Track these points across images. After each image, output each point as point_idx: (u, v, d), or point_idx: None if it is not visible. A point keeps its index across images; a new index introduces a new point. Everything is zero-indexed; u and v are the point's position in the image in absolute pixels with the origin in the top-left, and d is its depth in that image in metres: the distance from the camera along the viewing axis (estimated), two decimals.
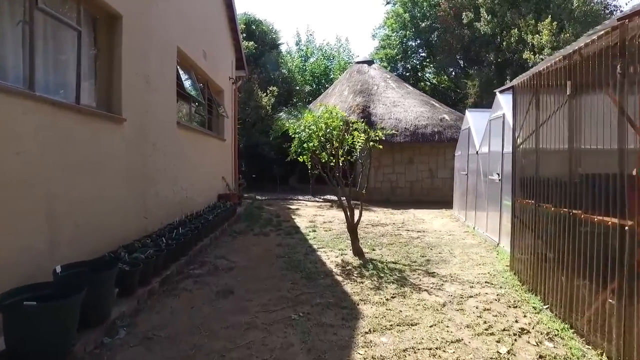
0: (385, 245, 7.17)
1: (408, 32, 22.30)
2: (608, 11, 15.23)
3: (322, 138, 6.53)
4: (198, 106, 9.15)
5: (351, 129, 6.72)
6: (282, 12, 42.56)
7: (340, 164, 6.73)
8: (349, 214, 6.57)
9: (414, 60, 23.48)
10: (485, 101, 16.52)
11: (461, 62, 19.74)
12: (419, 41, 22.52)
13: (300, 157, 6.76)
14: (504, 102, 6.70)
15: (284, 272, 5.38)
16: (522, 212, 5.11)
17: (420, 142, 13.86)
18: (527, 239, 4.97)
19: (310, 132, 6.49)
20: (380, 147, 6.97)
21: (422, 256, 6.42)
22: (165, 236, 5.47)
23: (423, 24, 21.21)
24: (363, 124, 6.82)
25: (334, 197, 14.03)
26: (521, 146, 5.26)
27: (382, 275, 5.33)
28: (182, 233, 5.77)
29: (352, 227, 6.54)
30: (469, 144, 9.17)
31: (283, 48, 23.46)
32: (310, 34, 31.66)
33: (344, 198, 6.67)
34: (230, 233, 7.95)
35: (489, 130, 7.48)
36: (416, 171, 14.34)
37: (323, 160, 6.87)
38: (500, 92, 6.60)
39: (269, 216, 10.24)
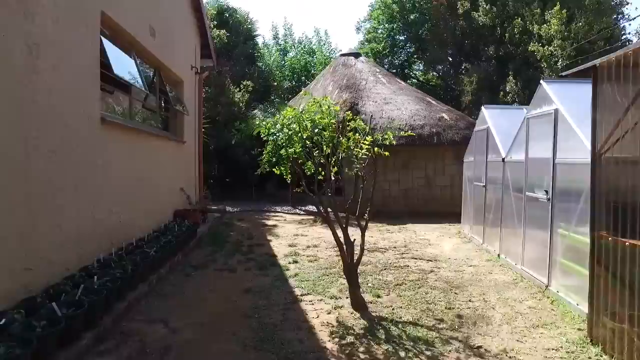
0: (393, 287, 5.30)
1: (396, 24, 20.62)
2: (618, 0, 13.95)
3: (307, 142, 4.62)
4: (146, 99, 7.09)
5: (347, 128, 4.82)
6: (257, 2, 40.21)
7: (332, 178, 4.86)
8: (345, 249, 4.68)
9: (402, 56, 21.79)
10: (484, 99, 14.94)
11: (454, 57, 18.15)
12: (406, 35, 20.84)
13: (276, 168, 4.82)
14: (556, 94, 4.93)
15: (250, 354, 3.43)
16: (613, 256, 3.33)
17: (416, 144, 12.08)
18: (624, 297, 3.21)
19: (290, 132, 4.56)
20: (387, 154, 5.11)
21: (449, 308, 4.58)
22: (62, 297, 3.45)
23: (412, 16, 19.58)
24: (368, 125, 4.90)
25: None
26: (609, 153, 3.48)
27: (403, 353, 3.45)
28: (96, 286, 3.75)
29: (351, 269, 4.64)
30: (487, 148, 7.42)
31: (260, 40, 21.40)
32: (288, 27, 29.63)
33: (340, 228, 4.78)
34: (184, 268, 5.93)
35: (526, 132, 5.71)
36: (411, 178, 12.58)
37: (309, 173, 4.98)
38: (565, 76, 4.76)
39: (239, 237, 8.23)
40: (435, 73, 21.09)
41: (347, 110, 12.25)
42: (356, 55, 15.77)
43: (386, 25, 21.44)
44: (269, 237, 8.36)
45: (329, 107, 4.53)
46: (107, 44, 5.06)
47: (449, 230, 9.55)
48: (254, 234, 8.70)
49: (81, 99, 4.39)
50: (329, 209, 4.92)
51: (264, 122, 5.29)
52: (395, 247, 7.62)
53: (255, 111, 12.07)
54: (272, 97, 17.04)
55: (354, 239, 4.73)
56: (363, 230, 4.82)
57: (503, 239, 6.58)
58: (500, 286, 5.38)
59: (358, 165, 4.70)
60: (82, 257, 4.35)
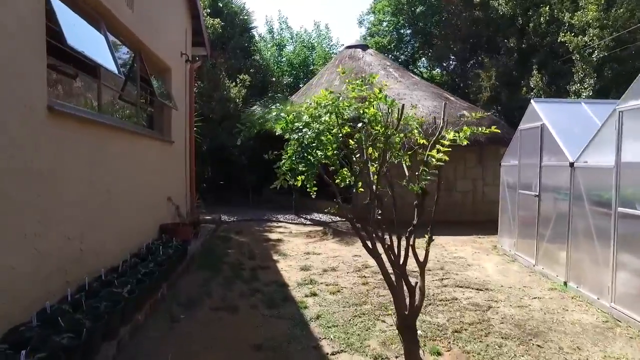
0: (452, 337, 3.94)
1: (402, 17, 19.28)
2: None
3: (348, 140, 3.29)
4: (124, 89, 5.67)
5: (403, 121, 3.49)
6: None
7: (376, 191, 3.53)
8: (401, 298, 3.33)
9: (408, 51, 20.44)
10: (504, 95, 13.71)
11: (465, 52, 16.82)
12: (412, 29, 19.49)
13: (298, 179, 3.43)
14: None
15: None
16: None
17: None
18: None
19: (321, 128, 3.20)
20: (447, 158, 3.77)
21: None
22: None
23: (419, 9, 18.30)
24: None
25: (324, 218, 10.75)
26: None
27: None
28: None
29: (408, 323, 3.27)
30: (542, 149, 6.11)
31: (256, 34, 19.96)
32: (284, 21, 28.00)
33: (396, 267, 3.43)
34: (169, 307, 4.52)
35: (617, 129, 4.38)
36: (429, 182, 11.22)
37: (344, 184, 3.64)
38: None
39: (238, 257, 6.83)
40: (440, 70, 19.74)
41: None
42: (363, 47, 14.42)
43: (391, 18, 20.11)
44: (274, 257, 6.96)
45: (380, 90, 3.16)
46: (58, 4, 3.63)
47: (481, 245, 8.23)
48: (256, 251, 7.30)
49: (13, 79, 2.97)
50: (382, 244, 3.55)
51: (275, 112, 3.94)
52: (429, 269, 6.27)
53: (255, 107, 10.66)
54: (271, 94, 15.63)
55: (415, 282, 3.36)
56: (422, 266, 3.45)
57: (572, 263, 5.26)
58: (592, 333, 4.05)
59: (428, 176, 3.31)
60: (11, 315, 2.93)
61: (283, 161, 3.25)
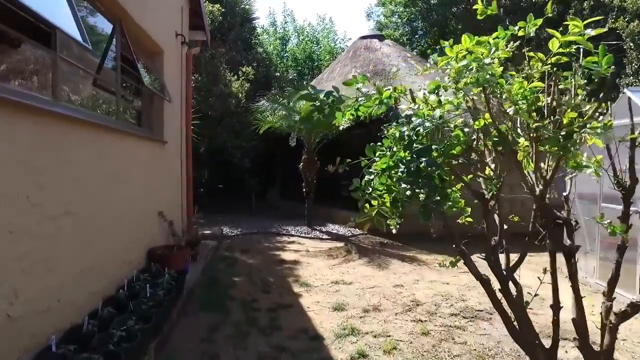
0: None
1: (415, 9, 17.86)
2: None
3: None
4: (99, 70, 4.17)
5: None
6: None
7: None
8: None
9: (422, 45, 18.95)
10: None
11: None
12: (426, 21, 18.03)
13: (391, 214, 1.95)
14: None
15: None
16: None
17: None
18: None
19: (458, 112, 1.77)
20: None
21: None
22: None
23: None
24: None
25: (342, 230, 9.30)
26: None
27: None
28: None
29: None
30: None
31: (258, 24, 18.45)
32: (288, 14, 26.45)
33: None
34: None
35: None
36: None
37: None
38: None
39: (248, 289, 5.33)
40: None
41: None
42: (380, 37, 12.98)
43: (403, 10, 18.67)
44: (295, 288, 5.48)
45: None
46: None
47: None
48: (270, 279, 5.82)
49: None
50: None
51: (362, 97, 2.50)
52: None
53: (262, 102, 9.17)
54: (275, 89, 14.17)
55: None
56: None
57: None
58: None
59: None
60: None
61: (367, 179, 1.81)
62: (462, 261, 2.71)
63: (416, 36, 19.15)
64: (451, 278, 6.01)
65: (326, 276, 6.03)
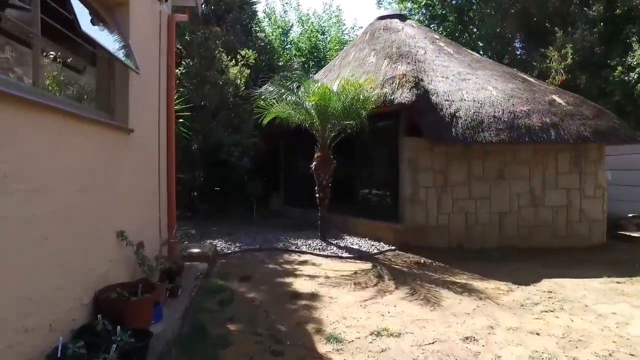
0: None
1: None
2: None
3: None
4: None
5: None
6: None
7: None
8: None
9: (440, 31, 17.10)
10: (585, 79, 10.52)
11: (522, 29, 13.44)
12: (447, 6, 16.28)
13: None
14: None
15: None
16: None
17: (519, 141, 7.58)
18: None
19: None
20: None
21: None
22: None
23: None
24: None
25: (363, 244, 7.58)
26: None
27: None
28: None
29: None
30: None
31: (259, 10, 16.68)
32: (287, 2, 24.34)
33: None
34: None
35: None
36: (509, 194, 8.05)
37: None
38: None
39: (250, 352, 3.55)
40: (490, 52, 16.22)
41: (412, 86, 7.77)
42: (401, 17, 11.23)
43: None
44: (319, 344, 3.70)
45: None
46: None
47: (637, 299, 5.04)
48: (281, 327, 4.05)
49: None
50: None
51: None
52: None
53: (267, 86, 7.40)
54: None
55: None
56: None
57: None
58: None
59: None
60: None
61: None
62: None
63: (435, 21, 17.25)
64: (537, 323, 4.24)
65: (360, 321, 4.25)
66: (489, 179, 7.98)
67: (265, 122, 7.46)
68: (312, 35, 19.02)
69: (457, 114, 7.66)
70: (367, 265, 6.40)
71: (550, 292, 5.28)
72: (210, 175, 11.32)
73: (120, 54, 3.81)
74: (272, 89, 7.31)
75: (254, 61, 10.66)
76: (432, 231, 7.83)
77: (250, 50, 10.71)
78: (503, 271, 6.17)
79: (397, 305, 4.74)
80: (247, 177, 10.88)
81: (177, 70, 10.13)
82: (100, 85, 4.01)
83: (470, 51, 10.68)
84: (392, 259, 6.86)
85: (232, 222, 10.20)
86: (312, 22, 20.33)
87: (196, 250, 6.28)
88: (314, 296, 4.98)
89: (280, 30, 19.54)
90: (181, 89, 9.99)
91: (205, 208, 11.84)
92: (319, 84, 7.05)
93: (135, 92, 4.24)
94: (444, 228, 7.88)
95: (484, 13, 14.38)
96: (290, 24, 20.50)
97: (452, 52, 9.85)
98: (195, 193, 12.46)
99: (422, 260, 6.78)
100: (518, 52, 14.77)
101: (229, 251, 7.14)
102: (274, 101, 7.35)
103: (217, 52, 10.07)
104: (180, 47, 10.12)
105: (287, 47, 19.18)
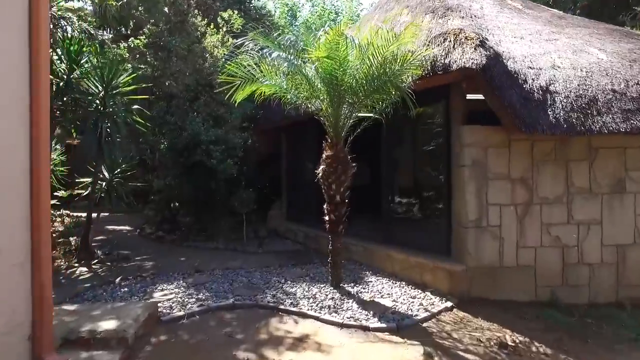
0: None
1: None
2: None
3: None
4: None
5: None
6: None
7: None
8: None
9: None
10: None
11: None
12: None
13: None
14: None
15: None
16: None
17: None
18: None
19: None
20: None
21: None
22: None
23: None
24: None
25: (400, 295, 4.67)
26: None
27: None
28: None
29: None
30: None
31: None
32: None
33: None
34: None
35: None
36: (633, 216, 5.07)
37: None
38: None
39: None
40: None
41: (473, 47, 4.84)
42: None
43: None
44: None
45: None
46: None
47: None
48: None
49: None
50: None
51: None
52: None
53: (247, 39, 4.55)
54: None
55: None
56: None
57: None
58: None
59: None
60: None
61: None
62: None
63: None
64: None
65: None
66: (601, 193, 5.02)
67: (237, 98, 4.65)
68: (323, 14, 16.22)
69: (550, 88, 4.76)
70: (414, 347, 3.53)
71: None
72: (192, 182, 8.54)
73: None
74: (252, 46, 4.51)
75: (241, 27, 7.83)
76: (508, 275, 4.92)
77: (236, 13, 7.89)
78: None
79: None
80: (233, 185, 8.10)
81: (136, 40, 7.44)
82: None
83: (543, 6, 7.72)
84: (454, 332, 3.97)
85: (212, 248, 7.46)
86: (324, 2, 17.54)
87: (106, 323, 3.50)
88: None
89: (288, 8, 16.74)
90: (142, 66, 7.29)
91: (188, 222, 9.14)
92: (328, 30, 4.23)
93: None
94: (528, 270, 4.96)
95: None
96: (301, 3, 17.76)
97: (519, 6, 6.93)
98: (177, 204, 9.77)
99: (506, 338, 3.88)
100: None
101: (181, 312, 4.34)
102: (256, 67, 4.55)
103: (190, 15, 7.30)
104: (140, 9, 7.39)
105: (295, 25, 16.38)
